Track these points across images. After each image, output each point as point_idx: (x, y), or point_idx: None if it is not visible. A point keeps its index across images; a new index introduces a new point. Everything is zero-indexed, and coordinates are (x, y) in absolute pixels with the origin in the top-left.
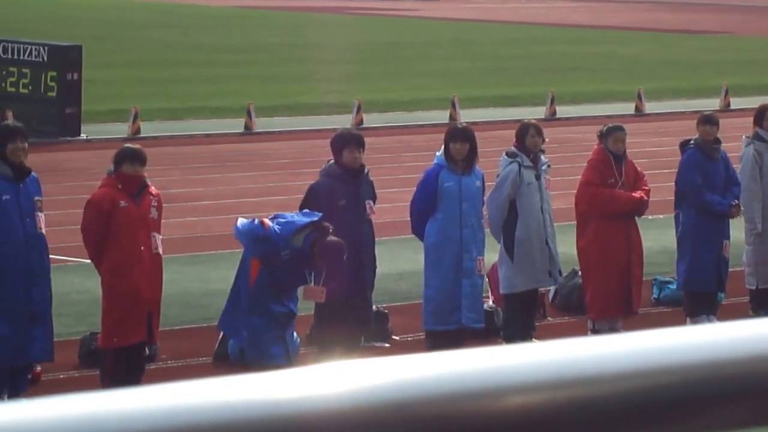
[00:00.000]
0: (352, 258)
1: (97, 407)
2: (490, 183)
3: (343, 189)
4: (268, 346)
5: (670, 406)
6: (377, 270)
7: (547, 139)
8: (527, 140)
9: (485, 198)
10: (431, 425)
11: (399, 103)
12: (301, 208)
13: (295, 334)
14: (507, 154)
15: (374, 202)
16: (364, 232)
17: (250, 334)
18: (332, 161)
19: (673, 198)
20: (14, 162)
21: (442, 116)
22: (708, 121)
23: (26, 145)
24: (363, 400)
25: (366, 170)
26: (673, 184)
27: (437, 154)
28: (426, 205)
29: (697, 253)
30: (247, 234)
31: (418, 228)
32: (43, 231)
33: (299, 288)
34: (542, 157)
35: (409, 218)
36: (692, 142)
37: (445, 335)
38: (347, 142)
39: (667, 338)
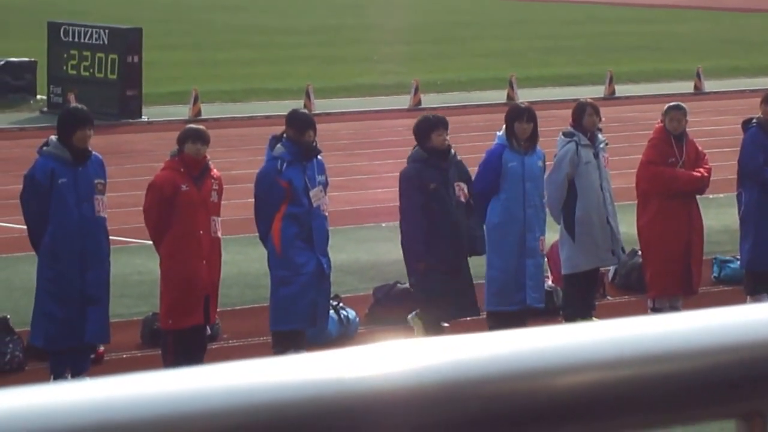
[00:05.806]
0: (448, 240)
1: (164, 386)
2: (549, 162)
3: (433, 173)
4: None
5: (739, 384)
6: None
7: (603, 118)
8: (584, 119)
9: (544, 178)
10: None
11: (456, 83)
12: (400, 197)
13: (353, 312)
14: (564, 133)
15: (468, 184)
16: (458, 215)
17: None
18: (417, 147)
19: (732, 177)
20: (78, 147)
21: (500, 96)
22: None
23: (93, 131)
24: (428, 378)
25: (453, 151)
26: (733, 162)
27: (498, 134)
28: (489, 186)
29: (760, 232)
30: (260, 186)
31: (479, 208)
32: (102, 214)
33: (312, 194)
34: (599, 135)
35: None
36: (754, 120)
37: (508, 315)
38: (435, 125)
39: (735, 316)
